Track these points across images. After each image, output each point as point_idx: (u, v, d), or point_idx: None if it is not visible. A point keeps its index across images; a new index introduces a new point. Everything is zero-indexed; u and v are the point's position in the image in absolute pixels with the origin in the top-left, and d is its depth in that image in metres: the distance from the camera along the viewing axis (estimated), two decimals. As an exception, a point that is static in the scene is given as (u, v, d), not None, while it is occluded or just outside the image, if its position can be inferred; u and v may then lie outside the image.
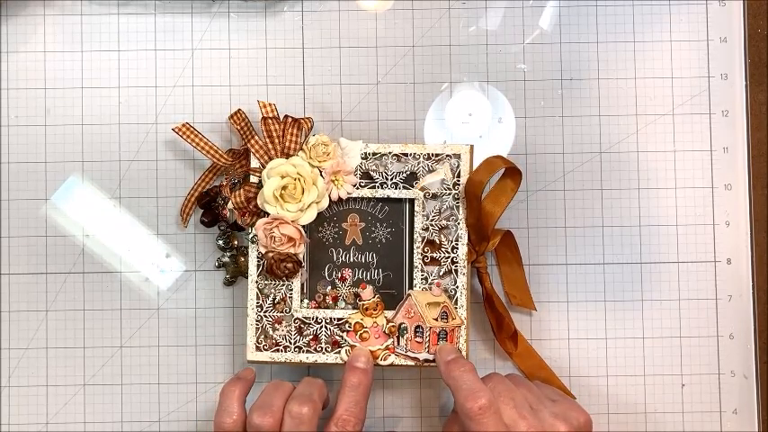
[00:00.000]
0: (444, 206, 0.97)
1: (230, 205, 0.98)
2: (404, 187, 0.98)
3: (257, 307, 0.98)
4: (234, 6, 1.06)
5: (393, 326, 0.97)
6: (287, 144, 0.97)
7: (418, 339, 0.96)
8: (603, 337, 1.06)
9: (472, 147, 0.98)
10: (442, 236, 0.97)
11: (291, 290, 0.98)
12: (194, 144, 1.00)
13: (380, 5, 1.06)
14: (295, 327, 0.98)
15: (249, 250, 0.99)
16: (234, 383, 0.95)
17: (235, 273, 1.04)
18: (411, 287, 0.98)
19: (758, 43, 1.06)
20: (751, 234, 1.06)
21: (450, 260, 0.97)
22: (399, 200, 0.99)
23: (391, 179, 0.98)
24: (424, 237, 0.97)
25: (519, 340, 1.04)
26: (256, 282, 0.98)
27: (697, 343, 1.06)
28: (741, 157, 1.06)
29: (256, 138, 0.98)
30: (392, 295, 0.99)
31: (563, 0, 1.06)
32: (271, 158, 0.97)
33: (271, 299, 0.98)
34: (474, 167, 0.97)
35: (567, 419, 0.90)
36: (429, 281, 0.97)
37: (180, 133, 1.00)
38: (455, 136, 1.06)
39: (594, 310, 1.06)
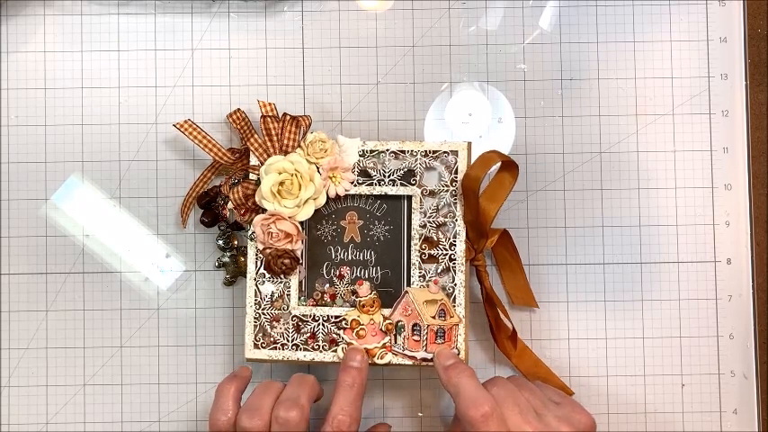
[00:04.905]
0: (442, 203, 0.97)
1: (230, 205, 0.98)
2: (401, 184, 0.97)
3: (255, 305, 0.98)
4: (234, 6, 1.06)
5: (390, 323, 0.96)
6: (285, 141, 0.97)
7: (416, 338, 0.96)
8: (603, 337, 1.05)
9: (470, 144, 0.98)
10: (439, 233, 0.97)
11: (289, 287, 0.98)
12: (196, 141, 1.00)
13: (380, 5, 1.06)
14: (293, 324, 0.98)
15: (248, 248, 0.99)
16: (229, 381, 0.95)
17: (235, 273, 1.05)
18: (409, 285, 0.98)
19: (758, 43, 1.06)
20: (751, 234, 1.06)
21: (447, 257, 0.97)
22: (397, 197, 0.99)
23: (389, 176, 0.98)
24: (422, 234, 0.97)
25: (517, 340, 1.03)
26: (255, 279, 0.98)
27: (697, 343, 1.05)
28: (741, 157, 1.06)
29: (255, 136, 0.98)
30: (390, 293, 0.99)
31: (563, 0, 1.06)
32: (270, 156, 0.97)
33: (269, 296, 0.98)
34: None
35: (570, 422, 0.90)
36: (427, 278, 0.97)
37: (182, 130, 1.00)
38: (455, 136, 1.06)
39: (594, 310, 1.05)
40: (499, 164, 0.97)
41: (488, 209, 0.97)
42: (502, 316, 1.02)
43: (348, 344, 0.97)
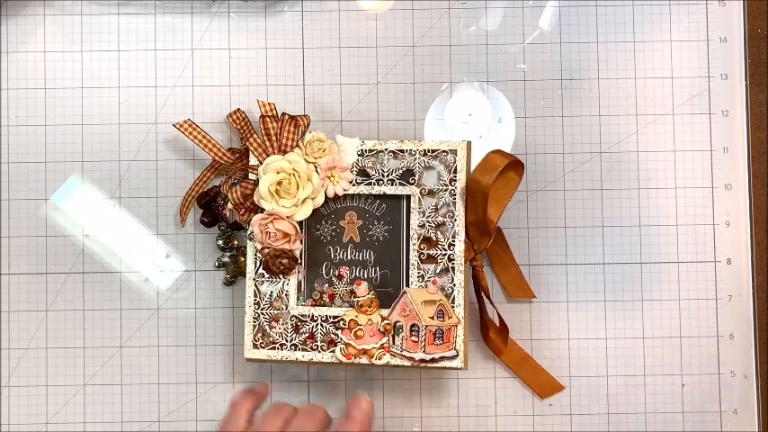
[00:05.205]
0: (441, 203, 0.97)
1: (230, 204, 0.98)
2: (400, 184, 0.97)
3: (254, 304, 0.98)
4: (234, 6, 1.06)
5: (388, 324, 0.96)
6: (284, 141, 0.97)
7: (414, 338, 0.95)
8: (603, 337, 1.05)
9: (469, 143, 0.97)
10: (438, 233, 0.97)
11: (288, 287, 0.98)
12: (196, 141, 1.00)
13: (380, 5, 1.06)
14: (291, 324, 0.98)
15: (247, 248, 0.98)
16: (245, 396, 0.90)
17: (235, 273, 1.04)
18: (408, 285, 0.98)
19: (758, 43, 1.06)
20: (751, 234, 1.05)
21: (446, 257, 0.96)
22: (397, 197, 0.99)
23: (387, 176, 0.97)
24: (421, 234, 0.97)
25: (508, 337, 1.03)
26: (254, 279, 0.98)
27: (697, 343, 1.05)
28: (741, 157, 1.06)
29: (255, 136, 0.98)
30: (389, 293, 0.99)
31: (563, 0, 1.06)
32: (268, 156, 0.97)
33: (268, 296, 0.98)
34: (472, 164, 0.97)
35: None
36: (426, 279, 0.97)
37: (182, 130, 1.00)
38: (455, 136, 1.06)
39: (594, 310, 1.05)
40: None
41: (494, 208, 0.97)
42: (489, 309, 1.02)
43: (347, 344, 0.97)
